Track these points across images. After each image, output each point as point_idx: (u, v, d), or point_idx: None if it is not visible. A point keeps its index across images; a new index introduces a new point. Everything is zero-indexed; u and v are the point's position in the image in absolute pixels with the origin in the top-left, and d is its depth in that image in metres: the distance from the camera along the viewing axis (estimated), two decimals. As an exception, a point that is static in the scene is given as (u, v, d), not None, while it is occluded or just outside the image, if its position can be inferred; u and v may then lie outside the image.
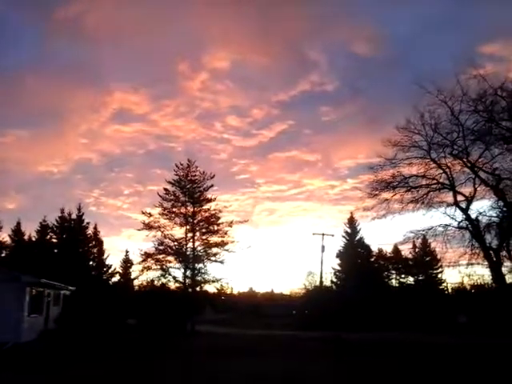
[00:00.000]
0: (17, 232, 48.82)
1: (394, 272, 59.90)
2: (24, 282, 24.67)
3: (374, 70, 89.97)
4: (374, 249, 57.63)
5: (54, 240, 47.57)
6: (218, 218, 40.98)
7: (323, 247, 48.53)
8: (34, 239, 48.03)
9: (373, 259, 57.67)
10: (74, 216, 47.55)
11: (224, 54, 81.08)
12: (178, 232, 40.95)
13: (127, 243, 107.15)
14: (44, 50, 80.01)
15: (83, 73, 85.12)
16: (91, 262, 47.76)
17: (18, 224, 49.21)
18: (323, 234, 49.01)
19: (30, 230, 49.05)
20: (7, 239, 48.54)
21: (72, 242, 45.81)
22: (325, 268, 54.62)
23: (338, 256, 56.27)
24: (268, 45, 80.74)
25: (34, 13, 75.42)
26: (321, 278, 50.62)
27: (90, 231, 48.62)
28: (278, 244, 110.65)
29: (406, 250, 51.44)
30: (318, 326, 43.39)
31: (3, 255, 46.94)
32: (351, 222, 56.39)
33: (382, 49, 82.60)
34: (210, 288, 43.49)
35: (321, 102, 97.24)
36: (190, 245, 40.55)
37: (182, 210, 40.93)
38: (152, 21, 79.47)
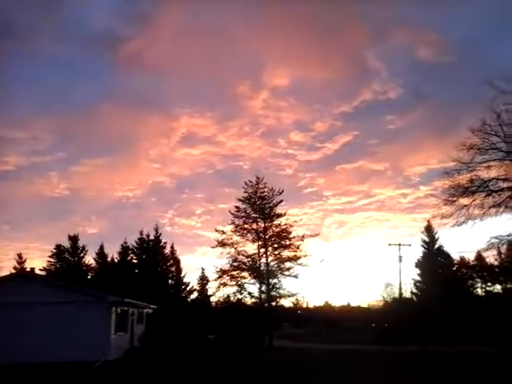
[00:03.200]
0: (100, 255, 51.62)
1: (478, 280, 56.74)
2: (110, 301, 26.02)
3: (438, 74, 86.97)
4: (455, 257, 55.02)
5: (135, 260, 49.82)
6: (289, 232, 41.00)
7: (400, 257, 46.86)
8: (116, 261, 50.58)
9: (454, 268, 54.94)
10: (151, 237, 49.69)
11: (283, 71, 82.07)
12: (251, 248, 41.43)
13: (202, 261, 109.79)
14: (114, 82, 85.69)
15: (151, 101, 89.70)
16: (170, 281, 49.52)
17: (102, 247, 52.08)
18: (400, 245, 47.40)
19: (113, 252, 51.76)
20: (92, 262, 51.56)
21: (151, 262, 47.81)
22: (403, 279, 52.70)
23: (416, 266, 54.24)
24: (327, 57, 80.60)
25: (102, 50, 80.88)
26: (400, 289, 48.91)
27: (167, 251, 50.58)
28: (352, 256, 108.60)
29: (491, 257, 48.53)
30: (398, 339, 41.79)
31: (89, 277, 49.79)
32: (428, 230, 54.21)
33: (444, 52, 79.78)
34: (286, 303, 43.44)
35: (385, 110, 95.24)
36: (263, 260, 40.84)
37: (254, 226, 41.37)
38: (211, 46, 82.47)
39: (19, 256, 51.81)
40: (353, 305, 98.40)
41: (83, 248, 51.45)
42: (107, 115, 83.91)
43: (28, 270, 31.78)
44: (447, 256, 53.88)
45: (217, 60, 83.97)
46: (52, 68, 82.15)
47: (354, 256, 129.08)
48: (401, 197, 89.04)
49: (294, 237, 40.81)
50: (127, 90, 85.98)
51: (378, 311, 64.52)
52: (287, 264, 40.63)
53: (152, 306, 36.60)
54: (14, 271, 46.34)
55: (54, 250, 50.30)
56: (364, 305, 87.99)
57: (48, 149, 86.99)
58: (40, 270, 46.20)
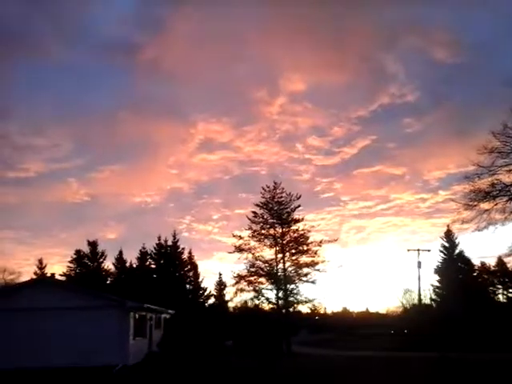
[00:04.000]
0: (119, 260, 52.04)
1: (500, 286, 55.70)
2: (128, 306, 26.19)
3: (456, 76, 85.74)
4: (476, 262, 54.14)
5: (153, 266, 50.09)
6: (307, 237, 40.83)
7: (420, 263, 46.23)
8: (134, 266, 50.95)
9: (475, 273, 54.06)
10: (169, 242, 49.95)
11: (300, 76, 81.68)
12: (268, 253, 41.37)
13: (219, 266, 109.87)
14: (131, 89, 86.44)
15: (168, 108, 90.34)
16: (188, 286, 49.65)
17: (121, 252, 52.45)
18: (419, 250, 46.78)
19: (131, 258, 52.11)
20: (111, 267, 52.01)
21: (169, 267, 48.05)
22: (422, 285, 51.96)
23: (436, 272, 53.52)
24: (343, 62, 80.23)
25: (119, 57, 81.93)
26: (419, 295, 48.30)
27: (185, 256, 50.74)
28: (370, 262, 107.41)
29: (513, 263, 47.52)
30: (418, 345, 41.22)
31: (108, 282, 50.25)
32: (448, 235, 53.47)
33: (461, 53, 78.61)
34: (304, 308, 43.20)
35: (403, 113, 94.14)
36: (280, 266, 40.73)
37: (271, 231, 41.32)
38: (227, 51, 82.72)
39: (40, 261, 52.46)
40: (371, 311, 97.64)
41: (102, 253, 51.96)
42: (125, 122, 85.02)
43: (48, 275, 32.33)
44: (468, 261, 53.05)
45: (233, 66, 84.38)
46: (69, 75, 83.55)
47: (373, 261, 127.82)
48: (419, 201, 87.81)
49: (312, 242, 40.68)
50: (144, 96, 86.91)
51: (397, 317, 63.87)
52: (305, 270, 40.51)
53: (170, 311, 36.75)
54: (34, 276, 47.10)
55: (74, 256, 50.85)
56: (383, 311, 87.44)
57: (67, 155, 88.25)
58: (60, 275, 46.96)
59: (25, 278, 51.91)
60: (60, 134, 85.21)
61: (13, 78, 79.96)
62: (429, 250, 48.81)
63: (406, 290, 59.71)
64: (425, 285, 74.22)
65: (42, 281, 31.49)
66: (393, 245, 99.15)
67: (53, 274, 31.41)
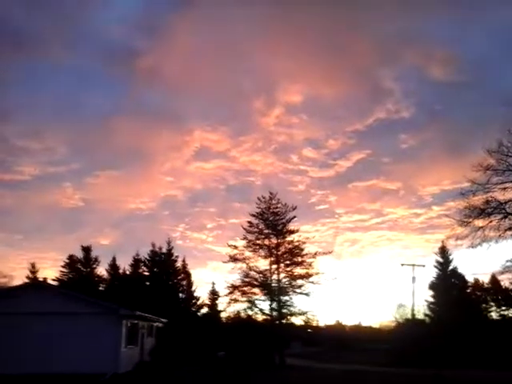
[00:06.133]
0: (113, 266, 51.76)
1: (493, 304, 55.66)
2: (121, 314, 25.99)
3: (452, 94, 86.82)
4: (470, 279, 54.14)
5: (146, 273, 49.84)
6: (302, 249, 40.88)
7: (414, 278, 46.02)
8: (128, 273, 50.69)
9: (469, 290, 54.03)
10: (163, 250, 49.77)
11: (297, 88, 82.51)
12: (263, 264, 41.38)
13: (213, 275, 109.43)
14: (128, 95, 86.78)
15: (165, 115, 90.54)
16: (181, 294, 49.40)
17: (114, 259, 52.21)
18: (413, 265, 46.66)
19: (125, 264, 51.86)
20: (104, 273, 51.70)
21: (163, 275, 47.84)
22: (416, 300, 51.90)
23: (430, 287, 53.42)
24: (340, 76, 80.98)
25: (117, 63, 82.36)
26: (412, 310, 48.05)
27: (178, 264, 50.52)
28: (364, 275, 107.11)
29: (506, 280, 47.50)
30: (411, 361, 41.00)
31: (101, 288, 49.91)
32: (442, 251, 53.48)
33: (458, 71, 79.62)
34: (297, 321, 43.04)
35: (398, 129, 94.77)
36: (274, 276, 40.70)
37: (266, 241, 41.34)
38: (225, 62, 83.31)
39: (32, 265, 52.02)
40: (364, 325, 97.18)
41: (96, 259, 51.70)
42: (121, 127, 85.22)
43: (41, 279, 32.03)
44: (461, 278, 53.03)
45: (231, 76, 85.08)
46: (67, 79, 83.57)
47: (367, 275, 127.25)
48: (413, 216, 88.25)
49: (307, 254, 40.75)
50: (141, 102, 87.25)
51: (390, 332, 63.62)
52: (299, 281, 40.54)
53: (162, 320, 36.50)
54: (27, 280, 46.69)
55: (67, 261, 50.61)
56: (376, 325, 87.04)
57: (62, 159, 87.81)
58: (53, 279, 46.64)
59: (17, 281, 51.44)
60: (56, 137, 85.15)
61: (11, 79, 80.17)
62: (423, 266, 48.81)
63: (400, 305, 59.49)
64: (419, 300, 74.18)
65: (34, 285, 31.16)
66: (386, 259, 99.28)
67: (45, 279, 31.11)
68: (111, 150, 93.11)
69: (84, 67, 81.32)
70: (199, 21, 72.82)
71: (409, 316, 50.69)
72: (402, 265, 47.54)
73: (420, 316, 52.24)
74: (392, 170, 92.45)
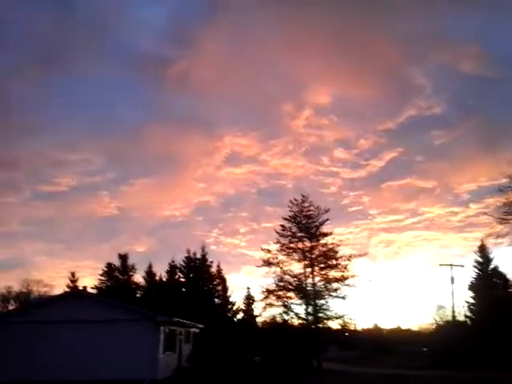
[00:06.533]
0: (149, 273, 52.44)
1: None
2: (159, 321, 26.33)
3: (484, 89, 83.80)
4: (512, 277, 52.21)
5: (182, 279, 50.32)
6: (336, 252, 40.40)
7: (452, 279, 45.13)
8: (164, 279, 51.29)
9: (511, 289, 52.19)
10: (198, 255, 50.17)
11: (325, 90, 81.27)
12: (297, 267, 41.09)
13: (247, 280, 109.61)
14: (159, 104, 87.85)
15: (195, 122, 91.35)
16: (216, 300, 49.61)
17: (150, 266, 52.84)
18: (451, 265, 45.65)
19: (160, 271, 52.48)
20: (141, 280, 52.50)
21: (198, 281, 48.18)
22: (456, 301, 50.46)
23: (470, 288, 51.94)
24: (368, 75, 79.51)
25: (148, 72, 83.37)
26: (453, 312, 46.97)
27: (213, 269, 50.80)
28: (401, 277, 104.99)
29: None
30: (451, 364, 39.92)
31: (138, 295, 50.70)
32: (482, 250, 51.87)
33: (488, 67, 76.68)
34: (334, 324, 42.57)
35: (431, 126, 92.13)
36: (309, 280, 40.36)
37: (300, 245, 41.08)
38: (253, 67, 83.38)
39: (72, 274, 53.34)
40: (403, 327, 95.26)
41: (133, 266, 52.53)
42: (153, 135, 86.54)
43: (80, 288, 32.86)
44: (503, 277, 51.27)
45: (259, 80, 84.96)
46: (99, 91, 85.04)
47: (404, 276, 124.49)
48: (450, 215, 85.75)
49: (341, 256, 40.23)
50: (172, 110, 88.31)
51: (430, 335, 62.17)
52: (334, 285, 40.05)
53: (199, 326, 36.77)
54: (67, 289, 47.94)
55: (105, 269, 51.62)
56: (415, 328, 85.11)
57: (98, 170, 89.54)
58: (91, 288, 47.62)
59: (58, 290, 52.92)
60: (92, 148, 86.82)
61: (47, 94, 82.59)
62: (462, 266, 47.62)
63: (439, 307, 58.09)
64: (458, 301, 72.22)
65: (74, 294, 32.00)
66: (424, 259, 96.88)
67: (84, 287, 31.88)
68: (144, 158, 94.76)
69: (115, 78, 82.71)
70: (226, 27, 73.39)
71: (449, 318, 49.49)
72: (440, 265, 46.68)
73: (461, 317, 50.84)
74: (426, 167, 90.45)
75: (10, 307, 55.10)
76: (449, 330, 48.17)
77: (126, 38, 76.77)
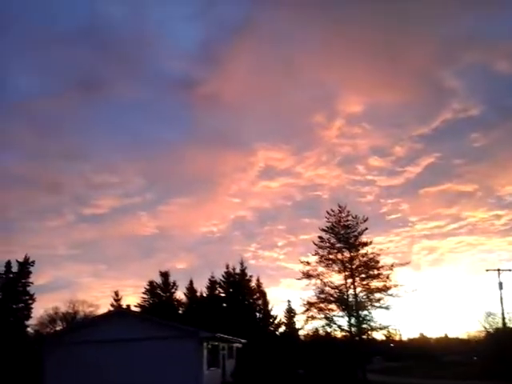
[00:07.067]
0: (190, 289, 52.90)
1: None
2: (202, 337, 26.54)
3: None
4: None
5: (222, 294, 50.54)
6: (377, 261, 39.68)
7: (501, 284, 43.52)
8: (204, 295, 51.66)
9: None
10: (237, 270, 50.39)
11: (356, 98, 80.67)
12: (337, 279, 40.50)
13: (287, 293, 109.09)
14: (193, 123, 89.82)
15: (228, 138, 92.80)
16: (257, 314, 49.58)
17: (191, 282, 53.34)
18: (499, 270, 44.08)
19: (201, 287, 52.92)
20: (183, 297, 53.04)
21: (238, 295, 48.32)
22: (506, 307, 48.57)
23: (519, 293, 50.01)
24: (399, 80, 78.72)
25: (180, 93, 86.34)
26: (503, 318, 45.15)
27: (253, 284, 50.88)
28: (446, 284, 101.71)
29: None
30: (500, 374, 38.25)
31: (180, 312, 51.20)
32: (530, 252, 50.04)
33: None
34: (378, 335, 41.72)
35: (468, 128, 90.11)
36: (351, 291, 39.74)
37: (339, 256, 40.55)
38: (282, 80, 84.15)
39: (116, 293, 54.36)
40: (450, 336, 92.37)
41: (174, 283, 53.09)
42: (187, 155, 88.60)
43: (124, 306, 33.54)
44: (555, 281, 49.16)
45: (289, 92, 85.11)
46: (135, 114, 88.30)
47: (449, 284, 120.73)
48: (494, 218, 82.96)
49: (383, 266, 39.48)
50: (205, 129, 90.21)
51: (479, 343, 60.03)
52: (377, 295, 39.26)
53: (242, 341, 36.77)
54: (111, 308, 48.90)
55: (147, 287, 52.38)
56: (463, 336, 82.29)
57: (137, 191, 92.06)
58: (135, 306, 48.38)
59: (102, 309, 54.00)
60: (130, 170, 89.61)
61: (87, 118, 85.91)
62: (510, 270, 45.88)
63: (488, 314, 56.03)
64: (508, 307, 69.53)
65: (119, 312, 32.65)
66: (468, 265, 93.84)
67: (128, 306, 32.60)
68: (180, 177, 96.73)
69: (149, 101, 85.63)
70: (254, 43, 74.52)
71: (499, 325, 47.68)
72: (487, 270, 45.11)
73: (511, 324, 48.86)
74: (466, 171, 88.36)
75: (58, 328, 56.58)
76: (499, 338, 46.35)
77: (159, 63, 79.36)
